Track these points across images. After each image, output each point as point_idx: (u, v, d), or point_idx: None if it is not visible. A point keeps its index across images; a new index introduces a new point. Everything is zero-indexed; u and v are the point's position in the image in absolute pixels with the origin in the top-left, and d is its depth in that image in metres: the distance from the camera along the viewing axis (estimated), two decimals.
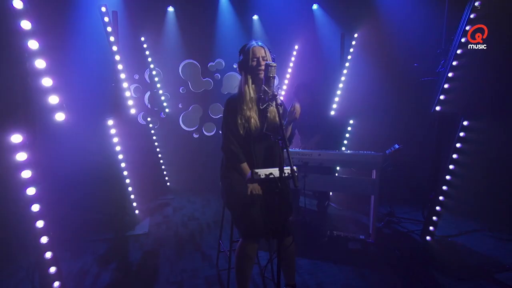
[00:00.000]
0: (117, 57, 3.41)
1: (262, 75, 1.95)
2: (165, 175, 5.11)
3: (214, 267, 2.76)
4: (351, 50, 4.37)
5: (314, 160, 3.30)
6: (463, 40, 2.63)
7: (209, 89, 5.54)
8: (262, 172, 1.83)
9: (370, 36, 4.40)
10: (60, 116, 1.81)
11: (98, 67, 3.46)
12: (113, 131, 3.44)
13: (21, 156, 1.70)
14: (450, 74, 2.69)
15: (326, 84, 4.61)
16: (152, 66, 4.84)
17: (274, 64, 1.84)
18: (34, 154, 1.76)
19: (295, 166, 3.34)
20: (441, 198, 2.88)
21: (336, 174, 4.47)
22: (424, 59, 3.24)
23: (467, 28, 2.62)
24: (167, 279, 2.58)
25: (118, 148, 3.51)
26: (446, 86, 2.70)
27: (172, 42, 5.21)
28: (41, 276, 1.92)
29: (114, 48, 3.36)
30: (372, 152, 3.28)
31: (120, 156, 3.54)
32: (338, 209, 4.24)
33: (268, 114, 2.00)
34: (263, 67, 1.94)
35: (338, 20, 4.77)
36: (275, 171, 1.79)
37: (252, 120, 2.04)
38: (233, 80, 5.48)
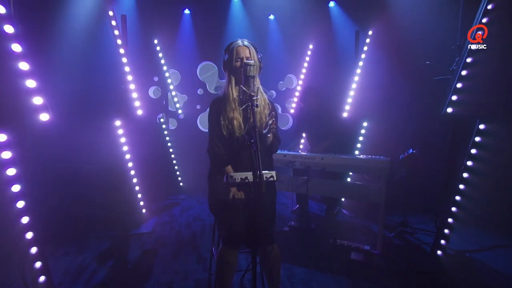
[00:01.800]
0: (124, 60, 3.50)
1: None
2: (178, 175, 5.18)
3: (207, 270, 2.72)
4: (365, 48, 4.14)
5: (317, 164, 3.15)
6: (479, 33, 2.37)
7: None
8: (238, 175, 1.76)
9: (384, 32, 4.14)
10: (44, 116, 1.87)
11: (106, 70, 3.58)
12: (120, 131, 3.54)
13: (6, 155, 1.79)
14: (463, 72, 2.41)
15: (339, 85, 4.41)
16: (165, 68, 4.93)
17: (253, 63, 1.74)
18: (19, 153, 1.84)
19: (299, 168, 3.27)
20: (453, 209, 2.61)
21: (349, 180, 4.26)
22: (439, 56, 2.97)
23: (484, 20, 2.35)
24: (158, 280, 2.59)
25: (125, 148, 3.60)
26: (459, 85, 2.44)
27: (189, 44, 5.29)
28: (29, 271, 1.99)
29: (121, 50, 3.45)
30: (381, 157, 3.07)
31: (127, 156, 3.64)
32: (350, 216, 4.03)
33: (249, 115, 1.92)
34: None
35: (354, 17, 4.56)
36: (251, 175, 1.71)
37: (235, 121, 1.98)
38: None
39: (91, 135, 3.40)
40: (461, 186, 2.55)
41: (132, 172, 3.71)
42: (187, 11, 5.19)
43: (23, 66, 1.80)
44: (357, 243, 3.05)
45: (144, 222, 3.76)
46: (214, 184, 2.07)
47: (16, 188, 1.85)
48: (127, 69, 3.57)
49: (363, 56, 4.15)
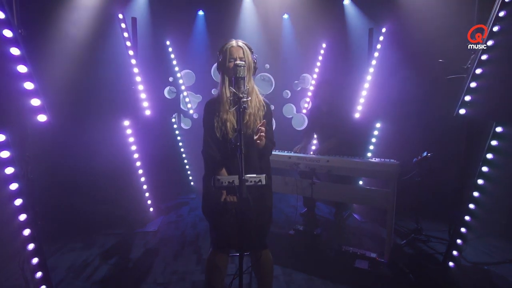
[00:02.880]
0: (133, 61, 3.56)
1: None
2: (189, 175, 5.22)
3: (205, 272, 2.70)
4: (378, 46, 3.96)
5: (322, 167, 3.05)
6: (495, 29, 2.17)
7: None
8: (225, 179, 1.73)
9: (398, 29, 3.93)
10: (41, 117, 1.92)
11: (116, 71, 3.65)
12: (129, 131, 3.61)
13: (4, 154, 1.85)
14: (478, 71, 2.22)
15: (352, 84, 4.25)
16: (177, 69, 4.98)
17: (243, 64, 1.71)
18: (18, 152, 1.91)
19: (305, 170, 3.17)
20: (467, 218, 2.41)
21: (361, 183, 4.10)
22: (456, 53, 2.76)
23: (501, 14, 2.15)
24: (155, 280, 2.60)
25: (133, 147, 3.67)
26: (473, 85, 2.25)
27: (203, 44, 5.30)
28: (28, 267, 2.05)
29: (131, 52, 3.52)
30: (391, 160, 2.92)
31: (136, 155, 3.70)
32: (360, 221, 3.87)
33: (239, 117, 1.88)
34: None
35: (368, 14, 4.37)
36: (237, 179, 1.66)
37: (228, 123, 1.95)
38: (264, 82, 5.38)
39: (99, 134, 3.48)
40: (476, 194, 2.36)
41: (140, 171, 3.77)
42: (201, 13, 5.22)
43: (21, 68, 1.85)
44: (364, 250, 2.91)
45: (151, 221, 3.81)
46: (206, 186, 2.05)
47: (14, 186, 1.92)
48: (136, 70, 3.63)
49: (376, 54, 3.98)
